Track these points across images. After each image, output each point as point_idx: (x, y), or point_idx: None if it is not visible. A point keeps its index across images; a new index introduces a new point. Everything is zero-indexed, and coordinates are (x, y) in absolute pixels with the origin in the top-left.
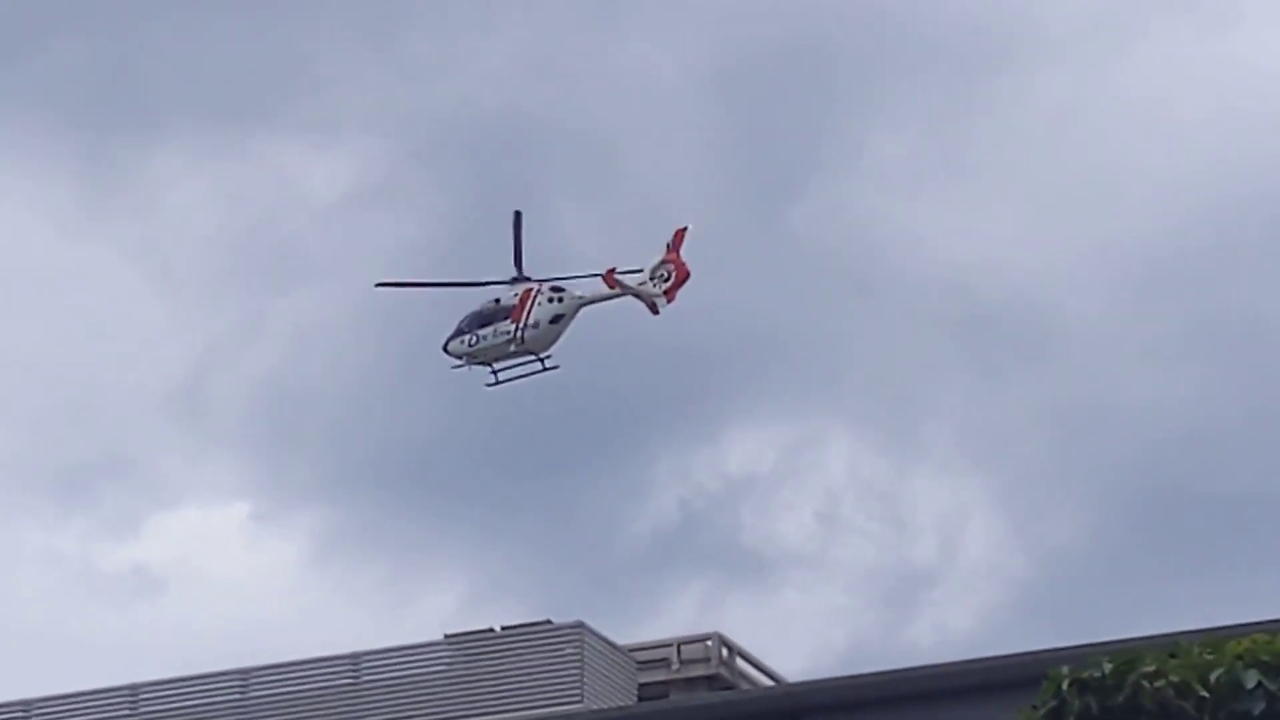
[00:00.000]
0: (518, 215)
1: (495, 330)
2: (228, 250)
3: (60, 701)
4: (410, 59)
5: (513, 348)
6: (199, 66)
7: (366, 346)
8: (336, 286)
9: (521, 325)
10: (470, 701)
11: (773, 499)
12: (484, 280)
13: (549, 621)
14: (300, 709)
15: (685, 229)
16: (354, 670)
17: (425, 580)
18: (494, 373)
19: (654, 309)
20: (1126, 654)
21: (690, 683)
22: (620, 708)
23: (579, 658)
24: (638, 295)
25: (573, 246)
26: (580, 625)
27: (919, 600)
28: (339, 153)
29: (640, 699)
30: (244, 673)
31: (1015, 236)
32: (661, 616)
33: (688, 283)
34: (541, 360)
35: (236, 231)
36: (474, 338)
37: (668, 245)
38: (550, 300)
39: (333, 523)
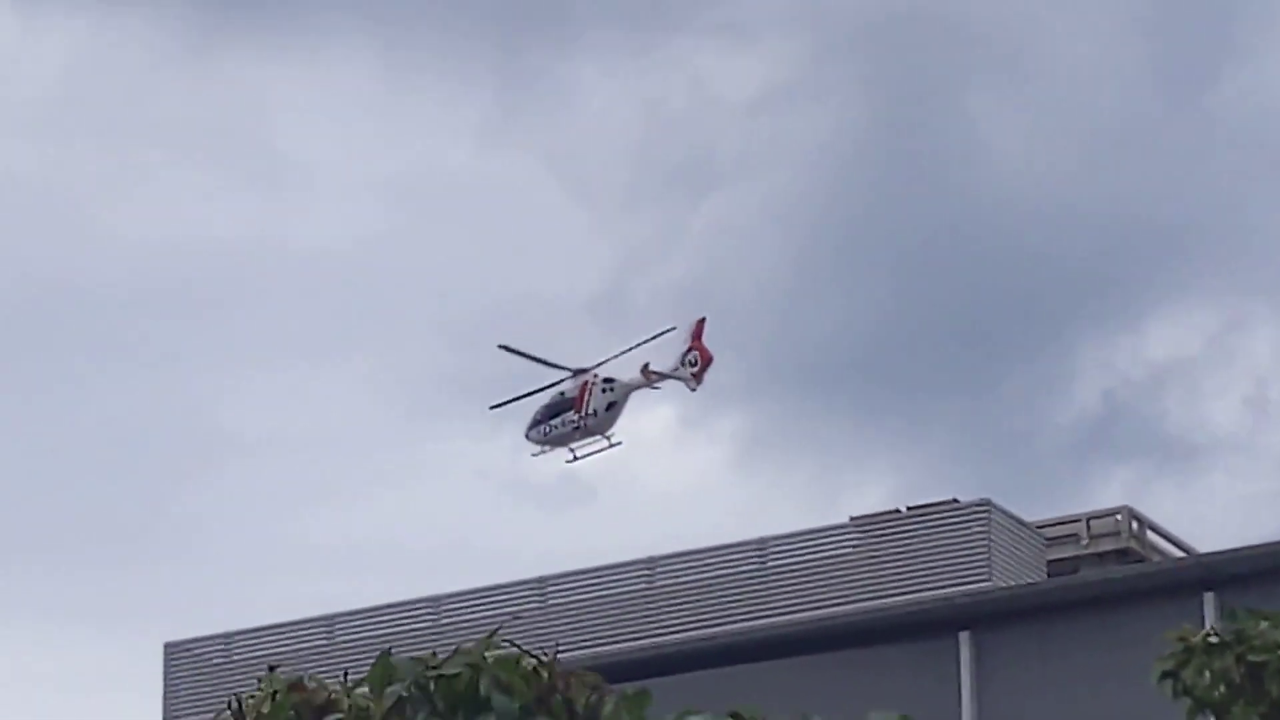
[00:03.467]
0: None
1: (563, 420)
2: (644, 155)
3: (469, 596)
4: None
5: (579, 433)
6: None
7: (788, 245)
8: (755, 187)
9: (583, 414)
10: (876, 583)
11: (1198, 386)
12: (574, 367)
13: (955, 500)
14: (707, 595)
15: (704, 319)
16: (760, 555)
17: (847, 478)
18: (572, 451)
19: (691, 388)
20: None
21: (1100, 557)
22: (1029, 584)
23: (986, 535)
24: (674, 378)
25: (988, 141)
26: (987, 503)
27: None
28: (751, 54)
29: (1050, 575)
30: (650, 562)
31: None
32: (1085, 507)
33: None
34: (607, 438)
35: (652, 136)
36: (548, 428)
37: (690, 334)
38: (604, 390)
39: (757, 425)
